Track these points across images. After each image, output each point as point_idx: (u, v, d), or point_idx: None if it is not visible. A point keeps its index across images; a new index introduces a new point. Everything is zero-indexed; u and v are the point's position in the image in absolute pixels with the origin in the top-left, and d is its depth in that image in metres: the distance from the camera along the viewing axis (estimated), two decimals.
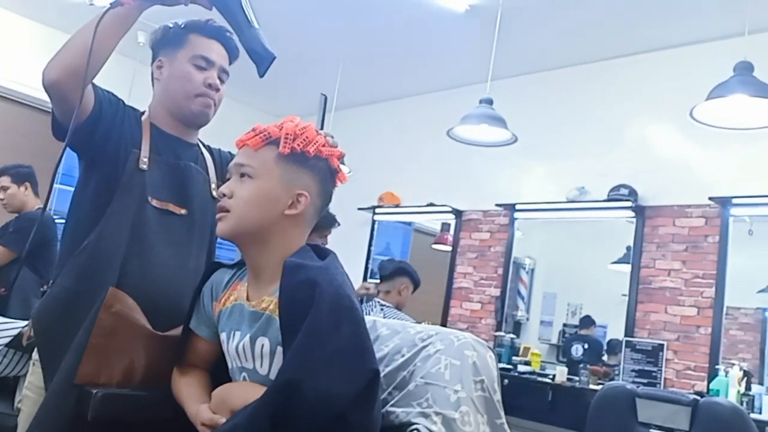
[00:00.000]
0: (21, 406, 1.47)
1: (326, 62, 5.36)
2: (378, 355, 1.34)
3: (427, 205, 5.37)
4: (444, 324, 4.83)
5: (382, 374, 1.29)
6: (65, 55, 1.34)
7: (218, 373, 1.34)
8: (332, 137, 1.31)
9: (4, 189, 3.56)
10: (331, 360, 1.07)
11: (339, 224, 3.60)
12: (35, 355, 1.45)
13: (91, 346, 1.30)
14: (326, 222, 3.51)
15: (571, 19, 4.31)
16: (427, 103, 5.74)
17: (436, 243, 5.48)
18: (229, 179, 1.29)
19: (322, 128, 1.38)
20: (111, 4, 1.36)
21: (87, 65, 1.29)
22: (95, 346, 1.31)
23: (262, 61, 1.41)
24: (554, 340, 4.69)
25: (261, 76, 1.42)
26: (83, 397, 1.27)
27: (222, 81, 1.60)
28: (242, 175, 1.25)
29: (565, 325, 4.67)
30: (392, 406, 1.30)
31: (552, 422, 3.73)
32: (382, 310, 3.68)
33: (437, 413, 1.24)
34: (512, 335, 4.54)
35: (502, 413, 1.36)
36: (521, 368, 4.15)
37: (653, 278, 4.10)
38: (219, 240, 1.62)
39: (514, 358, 4.33)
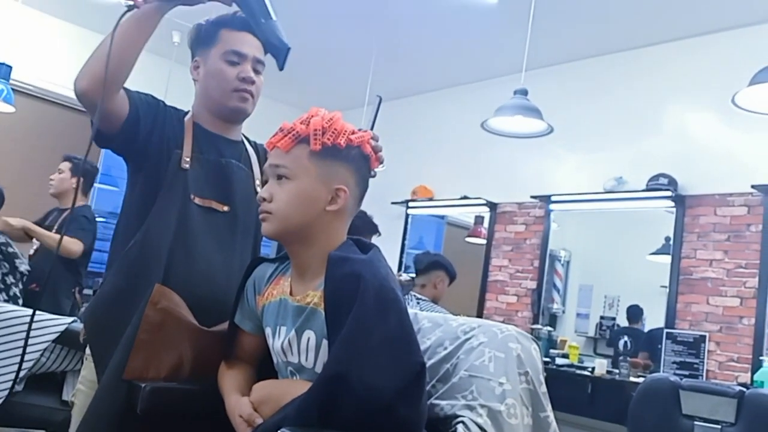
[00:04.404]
0: (74, 399, 1.50)
1: (358, 56, 5.36)
2: (421, 348, 1.34)
3: (461, 198, 5.34)
4: (480, 317, 4.80)
5: None
6: (92, 64, 1.35)
7: (264, 368, 1.36)
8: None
9: (60, 171, 3.61)
10: (378, 352, 1.07)
11: (380, 234, 3.61)
12: (88, 350, 1.49)
13: (138, 341, 1.33)
14: (369, 228, 3.52)
15: (606, 6, 4.23)
16: (460, 96, 5.70)
17: (469, 236, 5.45)
18: (266, 181, 1.30)
19: (372, 129, 1.36)
20: (126, 7, 1.35)
21: (106, 70, 1.31)
22: (143, 341, 1.33)
23: (279, 53, 1.39)
24: (591, 333, 4.64)
25: (281, 68, 1.40)
26: (133, 390, 1.29)
27: (258, 72, 1.59)
28: (279, 176, 1.26)
29: (602, 317, 4.61)
30: (436, 398, 1.30)
31: (592, 415, 3.70)
32: (418, 303, 3.68)
33: (482, 405, 1.24)
34: (549, 328, 4.51)
35: (548, 406, 1.35)
36: (559, 361, 4.12)
37: (694, 269, 4.02)
38: None
39: (551, 350, 4.30)
